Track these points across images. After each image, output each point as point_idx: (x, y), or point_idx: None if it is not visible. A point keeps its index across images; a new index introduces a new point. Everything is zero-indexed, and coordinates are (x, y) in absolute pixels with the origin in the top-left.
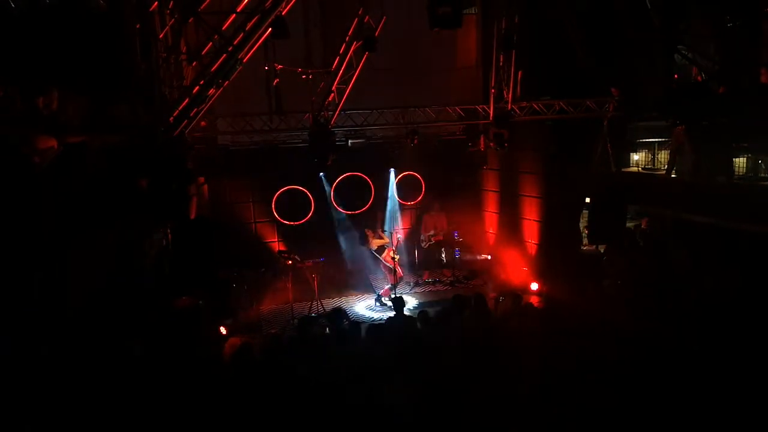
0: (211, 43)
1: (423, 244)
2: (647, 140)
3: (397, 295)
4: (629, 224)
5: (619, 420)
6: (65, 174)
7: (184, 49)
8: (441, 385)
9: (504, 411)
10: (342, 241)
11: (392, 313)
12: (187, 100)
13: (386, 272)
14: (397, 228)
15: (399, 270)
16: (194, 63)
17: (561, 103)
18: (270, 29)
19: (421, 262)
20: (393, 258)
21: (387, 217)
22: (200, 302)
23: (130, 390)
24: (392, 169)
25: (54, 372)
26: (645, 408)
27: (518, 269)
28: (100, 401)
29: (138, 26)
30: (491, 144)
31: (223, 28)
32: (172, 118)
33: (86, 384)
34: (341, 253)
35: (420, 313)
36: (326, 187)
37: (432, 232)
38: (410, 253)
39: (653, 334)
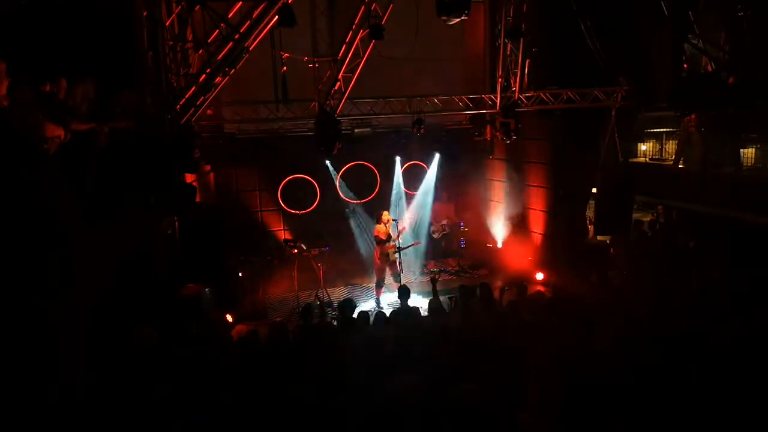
0: (217, 31)
1: (435, 235)
2: (655, 130)
3: (403, 284)
4: (643, 216)
5: (624, 408)
6: (74, 161)
7: (190, 37)
8: (447, 374)
9: (510, 400)
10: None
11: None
12: (193, 89)
13: (379, 266)
14: (401, 220)
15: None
16: (201, 51)
17: (569, 93)
18: (276, 17)
19: (427, 252)
20: (388, 255)
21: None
22: (206, 290)
23: (139, 376)
24: (398, 158)
25: (63, 360)
26: (649, 397)
27: (524, 259)
28: (108, 388)
29: (145, 14)
30: (498, 134)
31: (230, 15)
32: (178, 107)
33: (95, 370)
34: (348, 242)
35: (429, 302)
36: (333, 175)
37: (445, 222)
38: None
39: (658, 324)
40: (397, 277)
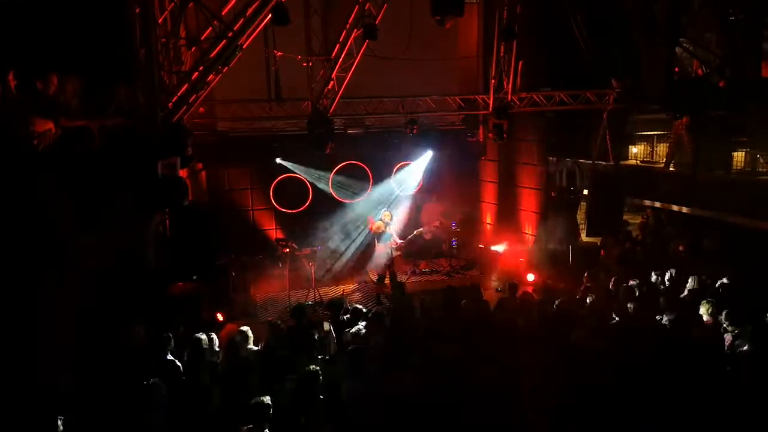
0: (210, 29)
1: (426, 236)
2: (646, 133)
3: (399, 280)
4: (633, 218)
5: (614, 407)
6: (66, 158)
7: (183, 34)
8: (440, 373)
9: (502, 399)
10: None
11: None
12: (186, 86)
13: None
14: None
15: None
16: (193, 48)
17: (561, 95)
18: (270, 15)
19: (419, 252)
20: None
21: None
22: (197, 289)
23: (129, 375)
24: (391, 158)
25: (54, 359)
26: (639, 396)
27: (515, 260)
28: (98, 387)
29: (138, 10)
30: (490, 135)
31: (223, 13)
32: (171, 104)
33: (85, 369)
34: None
35: (421, 302)
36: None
37: (437, 224)
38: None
39: (647, 325)
40: (392, 275)
